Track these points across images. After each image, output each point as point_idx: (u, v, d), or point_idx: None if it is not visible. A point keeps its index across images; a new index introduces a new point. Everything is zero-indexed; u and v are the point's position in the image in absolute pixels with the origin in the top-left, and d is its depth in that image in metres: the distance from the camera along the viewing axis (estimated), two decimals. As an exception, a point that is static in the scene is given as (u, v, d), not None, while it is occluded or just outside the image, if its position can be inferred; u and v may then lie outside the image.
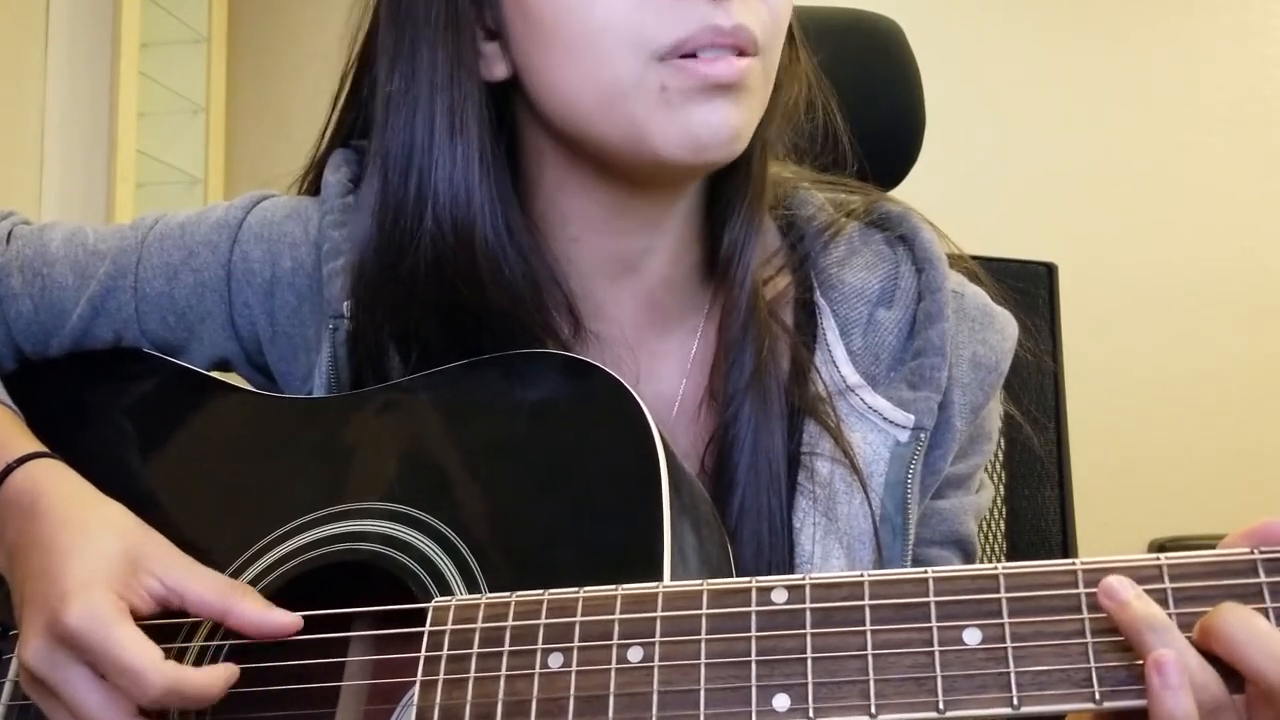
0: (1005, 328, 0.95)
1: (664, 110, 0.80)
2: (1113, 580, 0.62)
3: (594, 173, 0.88)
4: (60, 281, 0.96)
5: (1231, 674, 0.60)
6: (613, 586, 0.69)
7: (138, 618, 0.77)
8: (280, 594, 0.82)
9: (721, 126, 0.81)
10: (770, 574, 0.84)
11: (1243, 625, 0.59)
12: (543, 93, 0.85)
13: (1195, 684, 0.60)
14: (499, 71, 0.87)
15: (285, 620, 0.78)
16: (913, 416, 0.88)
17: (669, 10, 0.79)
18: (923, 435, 0.88)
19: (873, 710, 0.62)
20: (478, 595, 0.73)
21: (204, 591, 0.78)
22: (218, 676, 0.76)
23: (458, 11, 0.85)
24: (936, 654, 0.63)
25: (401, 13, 0.86)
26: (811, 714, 0.63)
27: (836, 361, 0.91)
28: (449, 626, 0.71)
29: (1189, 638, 0.61)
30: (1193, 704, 0.59)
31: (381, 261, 0.87)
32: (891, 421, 0.89)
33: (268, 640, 0.78)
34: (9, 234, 0.99)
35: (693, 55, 0.79)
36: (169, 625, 0.80)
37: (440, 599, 0.73)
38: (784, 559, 0.87)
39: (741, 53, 0.80)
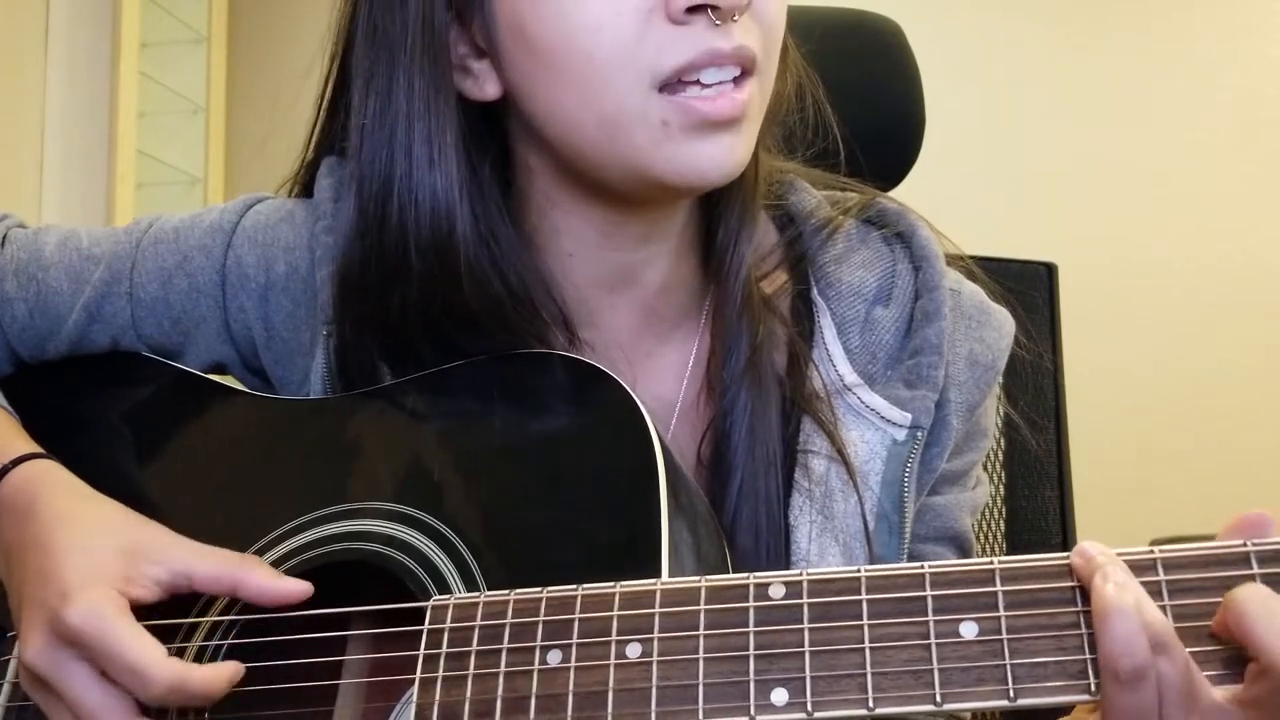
0: (1002, 325, 0.95)
1: (666, 143, 0.80)
2: (1087, 543, 0.63)
3: (586, 192, 0.88)
4: (55, 286, 0.96)
5: (1234, 664, 0.60)
6: (611, 584, 0.69)
7: (145, 607, 0.77)
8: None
9: (724, 159, 0.81)
10: (769, 561, 0.84)
11: (1257, 599, 0.60)
12: (540, 117, 0.84)
13: (1145, 617, 0.60)
14: (490, 91, 0.86)
15: (296, 588, 0.78)
16: (909, 415, 0.88)
17: (670, 38, 0.79)
18: (919, 434, 0.88)
19: (870, 704, 0.62)
20: (476, 593, 0.73)
21: (211, 568, 0.79)
22: (221, 674, 0.76)
23: (435, 37, 0.83)
24: (933, 647, 0.63)
25: (377, 37, 0.85)
26: (810, 708, 0.63)
27: (834, 360, 0.91)
28: (448, 625, 0.71)
29: (1204, 625, 0.61)
30: (1132, 600, 0.60)
31: (367, 286, 0.87)
32: (888, 420, 0.89)
33: (279, 607, 0.78)
34: (3, 237, 0.99)
35: (695, 82, 0.79)
36: (169, 625, 0.80)
37: (439, 597, 0.73)
38: (781, 546, 0.87)
39: (743, 72, 0.80)
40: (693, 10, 0.78)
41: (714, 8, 0.78)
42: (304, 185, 0.99)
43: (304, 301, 0.93)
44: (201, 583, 0.79)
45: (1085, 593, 0.63)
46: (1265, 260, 3.07)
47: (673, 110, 0.79)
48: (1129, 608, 0.60)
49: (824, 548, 0.86)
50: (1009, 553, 1.35)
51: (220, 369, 0.99)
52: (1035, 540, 1.36)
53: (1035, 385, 1.36)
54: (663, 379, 0.93)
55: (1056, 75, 3.15)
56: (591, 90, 0.80)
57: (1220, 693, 0.61)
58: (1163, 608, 0.62)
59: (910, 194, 1.05)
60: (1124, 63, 3.15)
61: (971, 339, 0.93)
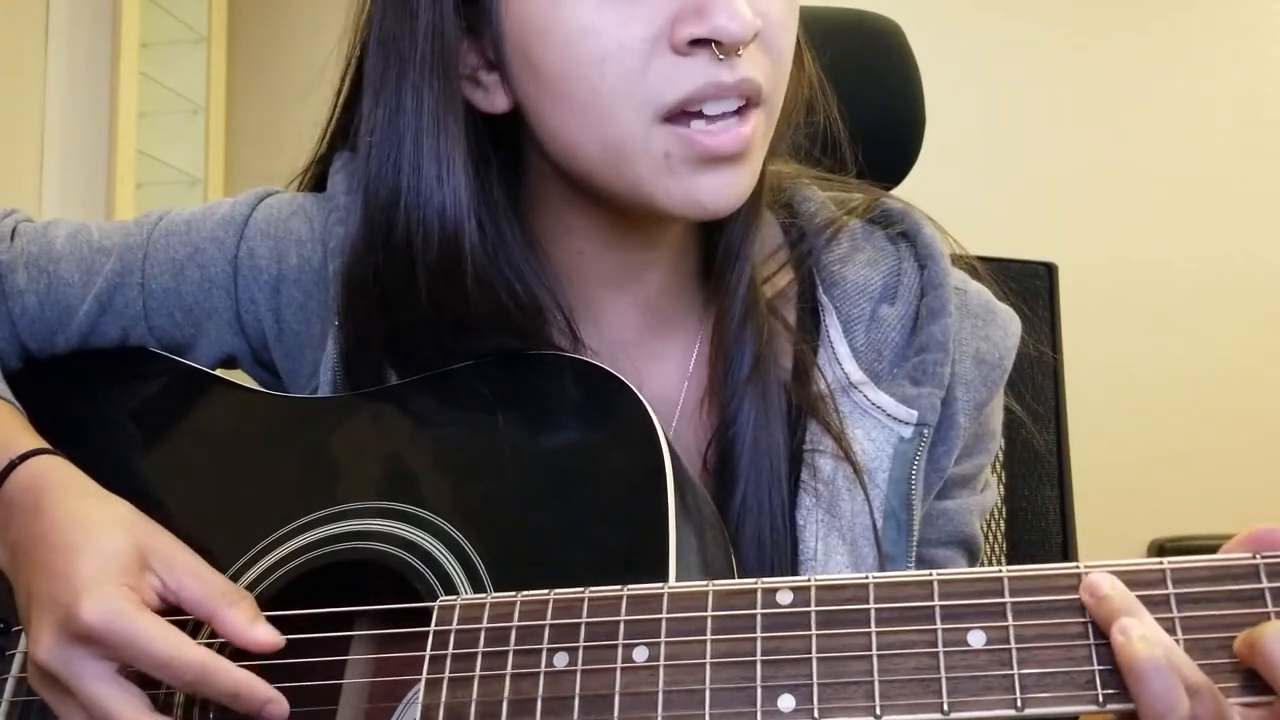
0: (1009, 324, 0.95)
1: (667, 175, 0.80)
2: (1094, 577, 0.63)
3: (596, 199, 0.87)
4: (66, 278, 0.96)
5: (1253, 679, 0.61)
6: (618, 587, 0.69)
7: None
8: (284, 592, 0.82)
9: (725, 192, 0.81)
10: (773, 571, 0.84)
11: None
12: (545, 136, 0.84)
13: (1175, 665, 0.60)
14: (500, 104, 0.85)
15: (265, 639, 0.77)
16: (916, 413, 0.88)
17: (673, 69, 0.78)
18: (926, 431, 0.88)
19: (878, 711, 0.62)
20: (483, 595, 0.73)
21: (195, 594, 0.78)
22: (255, 686, 0.75)
23: (445, 53, 0.83)
24: (941, 655, 0.63)
25: (388, 49, 0.84)
26: (816, 714, 0.63)
27: (840, 358, 0.91)
28: (454, 626, 0.71)
29: (1221, 637, 0.61)
30: (1162, 652, 0.59)
31: (373, 297, 0.87)
32: (894, 418, 0.89)
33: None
34: (13, 231, 0.99)
35: (698, 114, 0.79)
36: (176, 620, 0.80)
37: (445, 598, 0.73)
38: (786, 556, 0.87)
39: (746, 103, 0.80)
40: (697, 43, 0.77)
41: (717, 42, 0.77)
42: (315, 179, 0.99)
43: (316, 293, 0.94)
44: (186, 604, 0.79)
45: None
46: (1265, 260, 3.07)
47: (675, 142, 0.79)
48: (1162, 662, 0.59)
49: (830, 547, 0.86)
50: (1009, 553, 1.36)
51: (230, 362, 0.99)
52: (1035, 540, 1.36)
53: (1035, 385, 1.36)
54: (665, 379, 0.94)
55: (1056, 75, 3.15)
56: (595, 118, 0.80)
57: (1240, 716, 0.61)
58: (1171, 620, 0.62)
59: (910, 194, 1.05)
60: (1124, 63, 3.15)
61: (978, 337, 0.93)
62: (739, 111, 0.80)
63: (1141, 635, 0.60)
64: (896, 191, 1.07)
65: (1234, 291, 3.05)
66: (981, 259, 1.02)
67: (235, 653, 0.80)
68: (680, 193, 0.80)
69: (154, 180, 3.06)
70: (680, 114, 0.79)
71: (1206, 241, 3.07)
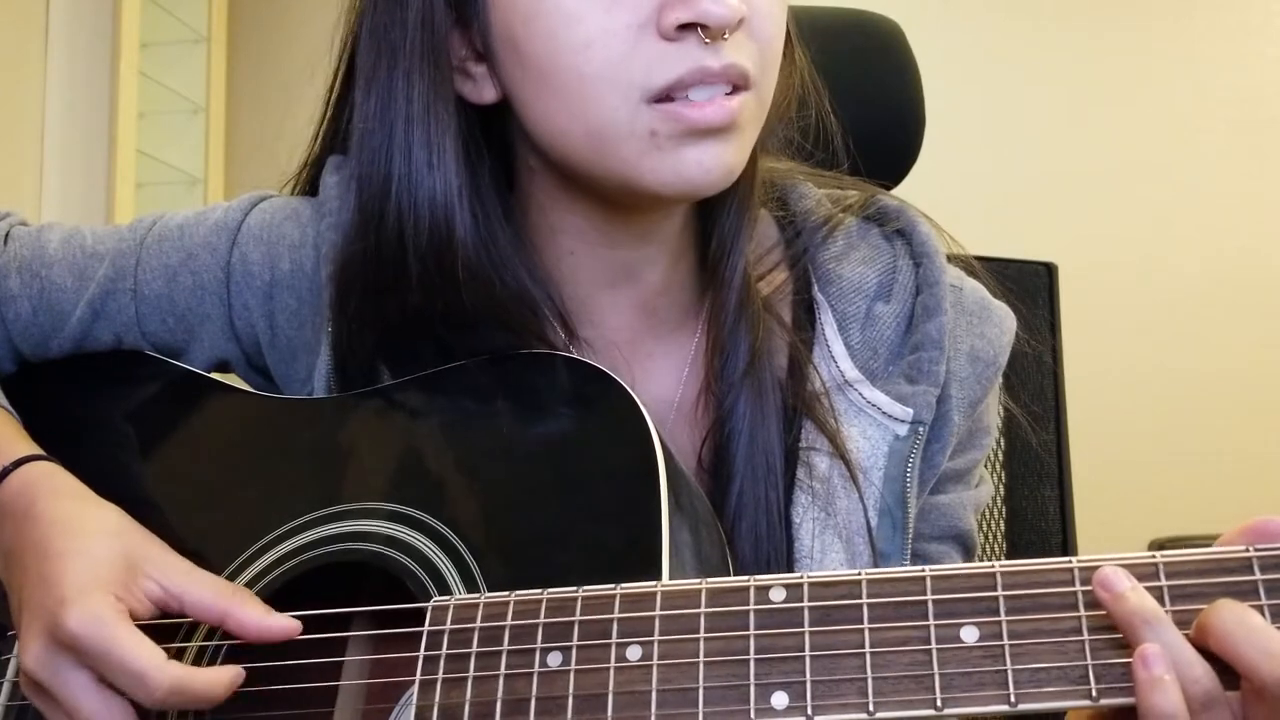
0: (1003, 321, 0.95)
1: (655, 153, 0.80)
2: (1108, 571, 0.62)
3: (584, 194, 0.88)
4: (59, 283, 0.96)
5: (1228, 671, 0.60)
6: (611, 585, 0.69)
7: (135, 621, 0.76)
8: (279, 594, 0.82)
9: (713, 166, 0.81)
10: (768, 568, 0.84)
11: (1238, 622, 0.59)
12: (532, 124, 0.84)
13: (1187, 678, 0.60)
14: (488, 95, 0.86)
15: (283, 625, 0.77)
16: (911, 411, 0.88)
17: (660, 54, 0.78)
18: (921, 429, 0.88)
19: (871, 708, 0.62)
20: (476, 595, 0.73)
21: (203, 595, 0.78)
22: (222, 677, 0.75)
23: (435, 40, 0.84)
24: (934, 652, 0.63)
25: (379, 38, 0.85)
26: (810, 712, 0.63)
27: (835, 357, 0.91)
28: (448, 626, 0.71)
29: (1185, 634, 0.61)
30: (1179, 697, 0.60)
31: (366, 288, 0.87)
32: (890, 416, 0.89)
33: (266, 643, 0.78)
34: (6, 235, 0.99)
35: (684, 97, 0.79)
36: (168, 625, 0.80)
37: (439, 598, 0.73)
38: (782, 553, 0.87)
39: (734, 88, 0.80)
40: (684, 28, 0.78)
41: (703, 26, 0.77)
42: (308, 183, 0.99)
43: (309, 299, 0.93)
44: (191, 607, 0.78)
45: (1088, 599, 0.62)
46: (1265, 260, 3.07)
47: (660, 119, 0.79)
48: (1164, 681, 0.59)
49: (826, 544, 0.86)
50: (1009, 552, 1.36)
51: (224, 366, 0.99)
52: (1035, 540, 1.36)
53: (1035, 385, 1.36)
54: (661, 378, 0.93)
55: (1056, 75, 3.15)
56: (580, 104, 0.80)
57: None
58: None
59: (910, 194, 1.05)
60: (1124, 63, 3.15)
61: (973, 335, 0.93)
62: (726, 94, 0.80)
63: (1161, 678, 0.59)
64: (896, 192, 1.07)
65: (1234, 291, 3.06)
66: (981, 259, 1.02)
67: (228, 655, 0.80)
68: (667, 170, 0.80)
69: (154, 180, 3.06)
70: (666, 97, 0.79)
71: (1207, 241, 3.07)
